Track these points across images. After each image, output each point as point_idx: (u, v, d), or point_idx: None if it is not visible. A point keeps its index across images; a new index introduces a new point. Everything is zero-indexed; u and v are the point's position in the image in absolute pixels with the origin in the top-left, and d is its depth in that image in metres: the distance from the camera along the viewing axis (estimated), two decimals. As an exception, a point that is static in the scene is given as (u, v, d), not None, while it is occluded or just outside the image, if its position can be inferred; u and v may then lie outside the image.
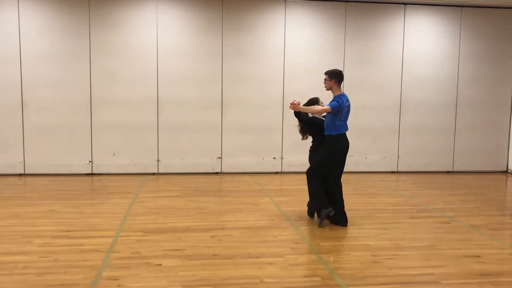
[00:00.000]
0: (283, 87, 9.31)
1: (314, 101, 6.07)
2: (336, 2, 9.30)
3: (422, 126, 9.79)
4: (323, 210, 5.56)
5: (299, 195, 7.38)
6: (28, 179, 8.46)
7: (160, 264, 4.21)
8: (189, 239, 5.00)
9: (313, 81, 9.32)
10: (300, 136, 6.45)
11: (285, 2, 9.17)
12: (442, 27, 9.67)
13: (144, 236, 5.08)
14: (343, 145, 5.73)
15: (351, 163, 9.53)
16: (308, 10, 9.28)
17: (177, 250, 4.62)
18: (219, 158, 9.29)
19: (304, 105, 5.93)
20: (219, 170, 9.33)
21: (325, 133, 5.71)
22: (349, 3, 9.35)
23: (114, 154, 8.91)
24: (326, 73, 5.85)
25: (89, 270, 4.04)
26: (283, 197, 7.24)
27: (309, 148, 6.23)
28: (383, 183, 8.67)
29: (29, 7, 8.50)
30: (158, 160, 9.10)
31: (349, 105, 5.77)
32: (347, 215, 5.75)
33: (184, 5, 8.93)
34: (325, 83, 5.86)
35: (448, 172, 9.95)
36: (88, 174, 8.90)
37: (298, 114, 5.88)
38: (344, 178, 8.82)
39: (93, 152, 8.88)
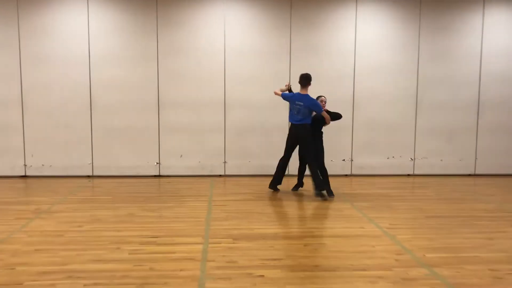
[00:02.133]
0: (353, 85, 8.91)
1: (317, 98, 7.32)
2: (409, -5, 8.84)
3: (501, 126, 9.17)
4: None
5: (380, 200, 7.00)
6: (97, 181, 8.41)
7: (263, 276, 3.93)
8: (282, 247, 4.72)
9: (385, 78, 8.95)
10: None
11: (356, -3, 8.78)
12: (524, 20, 9.04)
13: (234, 243, 4.83)
14: (289, 132, 7.28)
15: (425, 165, 9.10)
16: (380, 5, 8.84)
17: (275, 259, 4.34)
18: (286, 160, 8.98)
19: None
20: (287, 173, 9.01)
21: None
22: (423, -4, 8.86)
23: (181, 156, 8.76)
24: None
25: (190, 281, 3.80)
26: (363, 202, 6.84)
27: None
28: (465, 187, 8.14)
29: (98, 8, 8.45)
30: (225, 162, 8.89)
31: (301, 104, 6.94)
32: (440, 222, 5.77)
33: (252, 3, 8.68)
34: None
35: (531, 175, 9.30)
36: (155, 176, 8.79)
37: None
38: (420, 181, 8.75)
39: (160, 153, 8.76)
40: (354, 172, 9.08)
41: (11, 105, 8.45)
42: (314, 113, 7.07)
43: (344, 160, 9.03)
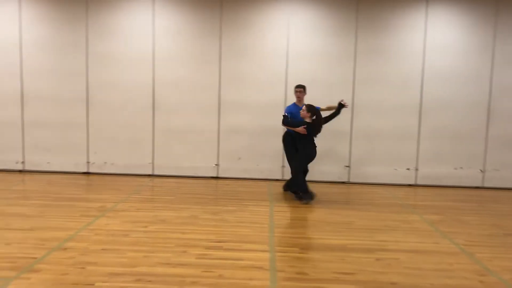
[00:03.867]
0: (420, 91, 8.52)
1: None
2: (485, -2, 8.34)
3: None
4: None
5: (450, 213, 6.61)
6: (156, 180, 8.46)
7: (338, 291, 3.73)
8: (352, 260, 4.48)
9: (456, 84, 8.51)
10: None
11: (427, 0, 8.37)
12: None
13: (301, 253, 4.64)
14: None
15: (496, 178, 8.59)
16: (453, 7, 8.40)
17: (347, 273, 4.11)
18: (347, 166, 8.70)
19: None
20: (346, 180, 8.75)
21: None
22: (500, -2, 8.34)
23: (239, 158, 8.66)
24: (301, 86, 7.32)
25: (261, 292, 3.66)
26: (432, 214, 6.47)
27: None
28: (543, 203, 7.58)
29: (164, 8, 8.52)
30: (283, 166, 8.72)
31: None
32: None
33: (317, 6, 8.47)
34: (301, 94, 7.29)
35: None
36: (213, 178, 8.75)
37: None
38: (491, 194, 8.90)
39: (219, 155, 8.71)
40: (418, 182, 8.67)
41: (77, 103, 8.66)
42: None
43: (408, 169, 8.64)
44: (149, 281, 3.79)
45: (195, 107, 8.61)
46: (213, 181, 8.52)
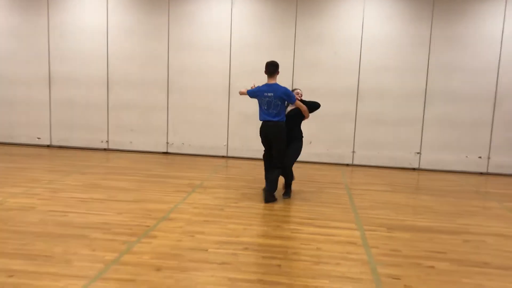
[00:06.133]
0: (496, 79, 8.44)
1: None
2: None
3: None
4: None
5: (530, 201, 6.63)
6: (231, 161, 8.88)
7: (433, 267, 3.95)
8: (441, 241, 4.67)
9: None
10: None
11: (507, -14, 8.26)
12: None
13: (389, 232, 4.88)
14: (260, 131, 5.95)
15: None
16: (534, -6, 8.25)
17: (439, 252, 4.32)
18: (417, 153, 8.79)
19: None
20: (416, 166, 8.84)
21: None
22: None
23: (310, 143, 8.92)
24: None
25: (361, 265, 3.93)
26: None
27: None
28: None
29: (241, -4, 8.86)
30: (353, 152, 8.92)
31: (271, 96, 5.80)
32: None
33: (392, -9, 8.55)
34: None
35: None
36: (285, 161, 9.05)
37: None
38: None
39: (291, 139, 9.00)
40: (490, 171, 8.64)
41: (159, 87, 9.17)
42: (288, 108, 6.15)
43: (480, 157, 8.62)
44: (256, 250, 4.15)
45: (269, 92, 8.90)
46: (285, 164, 8.83)
